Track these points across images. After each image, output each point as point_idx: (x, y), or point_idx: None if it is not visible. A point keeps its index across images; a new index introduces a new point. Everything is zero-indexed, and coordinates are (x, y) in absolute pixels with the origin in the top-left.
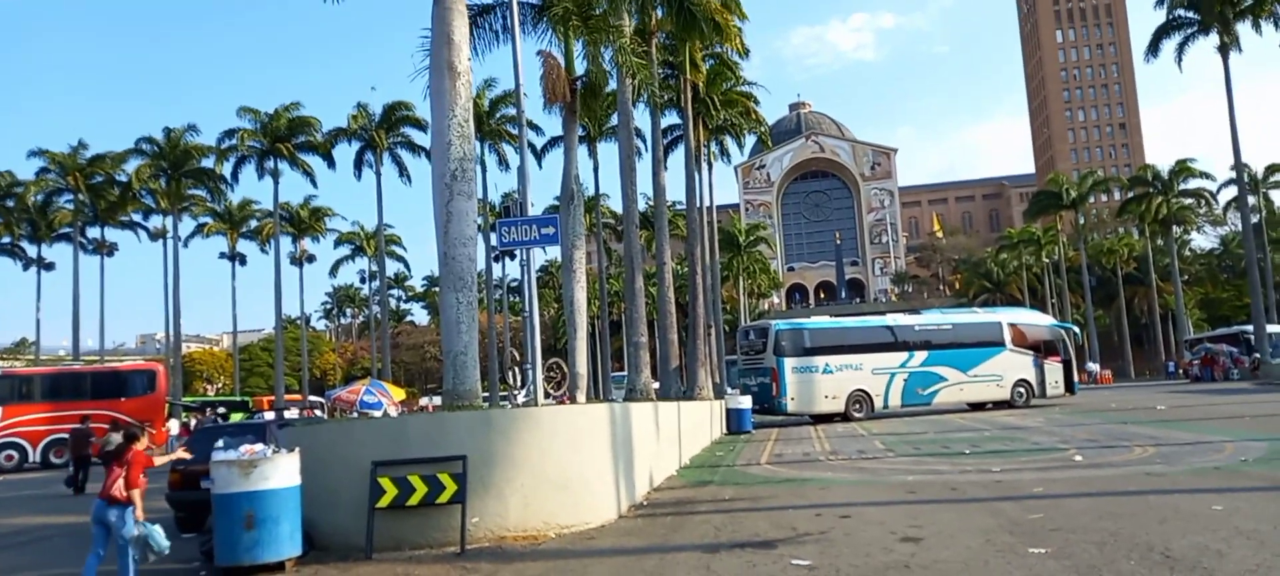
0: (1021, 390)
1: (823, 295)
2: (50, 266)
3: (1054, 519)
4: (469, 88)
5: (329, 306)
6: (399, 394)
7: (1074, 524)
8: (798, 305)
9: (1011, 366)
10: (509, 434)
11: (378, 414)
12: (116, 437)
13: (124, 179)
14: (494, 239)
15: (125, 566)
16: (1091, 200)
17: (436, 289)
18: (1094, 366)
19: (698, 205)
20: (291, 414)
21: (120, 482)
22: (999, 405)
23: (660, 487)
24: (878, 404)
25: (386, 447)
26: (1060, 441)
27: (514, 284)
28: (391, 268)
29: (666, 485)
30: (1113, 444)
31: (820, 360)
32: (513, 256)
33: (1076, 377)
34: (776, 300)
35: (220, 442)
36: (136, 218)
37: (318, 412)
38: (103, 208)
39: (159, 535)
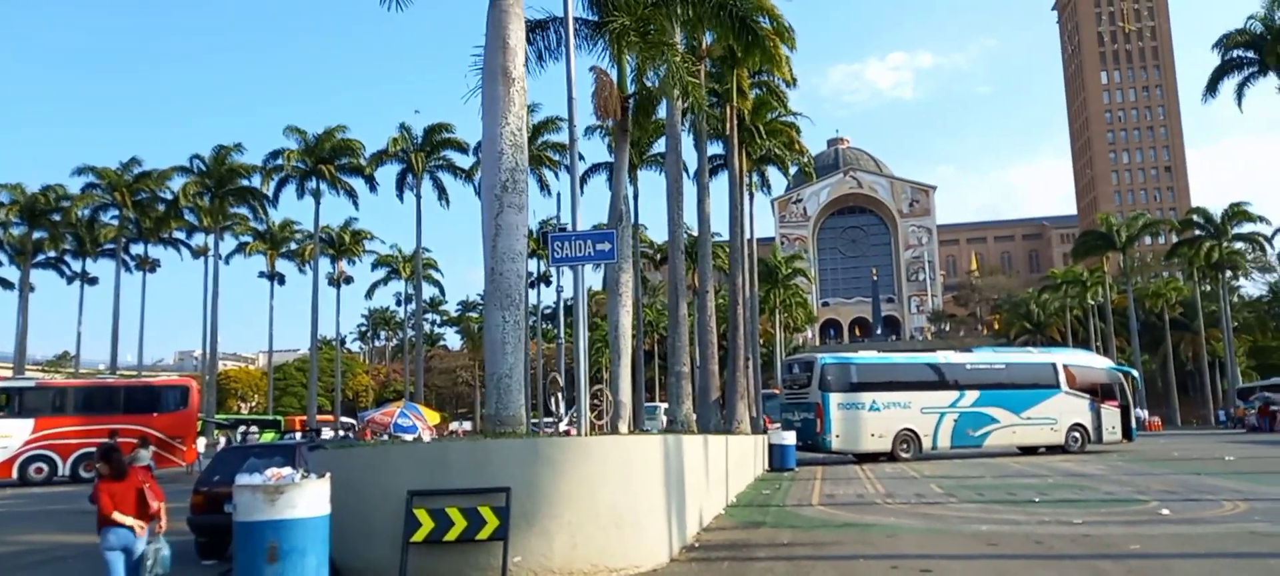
0: (1077, 435)
1: (858, 332)
2: (93, 281)
3: None
4: (523, 95)
5: (364, 328)
6: (433, 417)
7: None
8: (832, 340)
9: (1067, 409)
10: (557, 464)
11: (412, 437)
12: (144, 454)
13: (169, 196)
14: (536, 262)
15: None
16: (1138, 243)
17: (471, 314)
18: (1141, 413)
19: (741, 234)
20: (326, 433)
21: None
22: (1052, 450)
23: (710, 528)
24: (926, 444)
25: (425, 476)
26: (1135, 492)
27: (547, 310)
28: (427, 292)
29: (716, 525)
30: (1196, 497)
31: (867, 397)
32: (547, 282)
33: (1134, 424)
34: (811, 335)
35: (246, 464)
36: (179, 235)
37: (348, 433)
38: (147, 224)
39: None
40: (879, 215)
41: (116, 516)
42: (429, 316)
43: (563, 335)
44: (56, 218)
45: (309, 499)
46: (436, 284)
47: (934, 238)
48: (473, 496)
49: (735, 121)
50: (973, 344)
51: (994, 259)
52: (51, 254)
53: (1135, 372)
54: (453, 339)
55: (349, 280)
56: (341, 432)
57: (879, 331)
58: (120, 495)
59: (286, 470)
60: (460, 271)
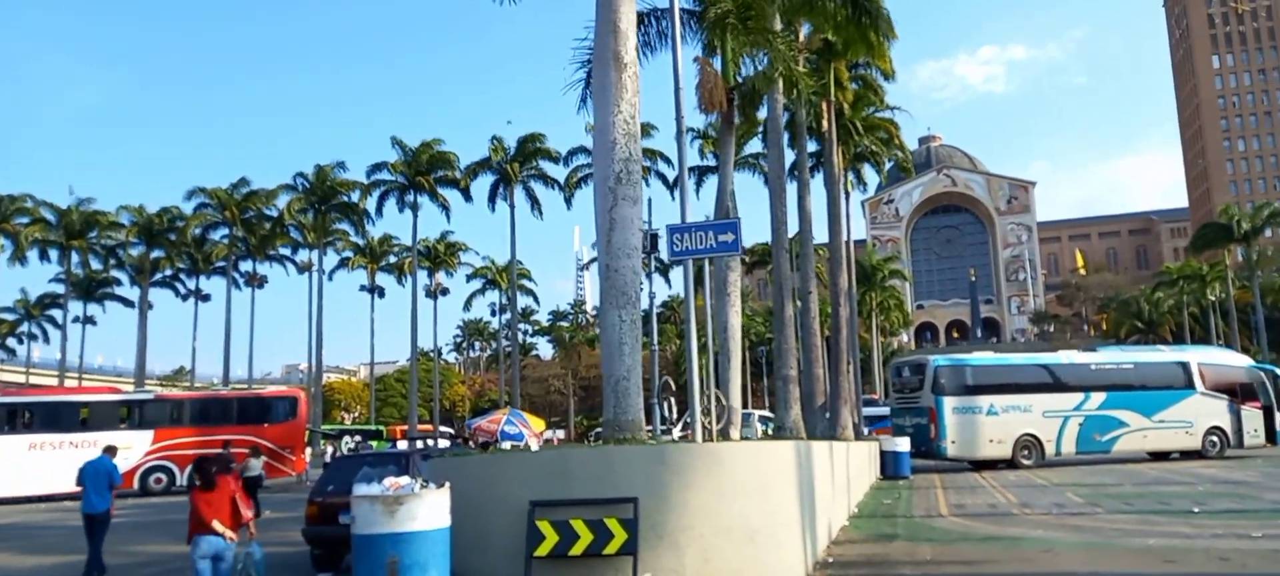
0: (1214, 438)
1: (956, 334)
2: (206, 298)
3: None
4: (636, 81)
5: (459, 339)
6: (538, 424)
7: None
8: (928, 344)
9: (1203, 411)
10: (685, 473)
11: (520, 445)
12: (256, 464)
13: (274, 214)
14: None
15: None
16: (1262, 235)
17: (562, 324)
18: None
19: (841, 234)
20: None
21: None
22: (1186, 455)
23: (838, 541)
24: (1049, 450)
25: (545, 485)
26: None
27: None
28: (521, 301)
29: (844, 538)
30: None
31: (984, 400)
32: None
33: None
34: (906, 339)
35: (360, 473)
36: (284, 252)
37: (456, 441)
38: (254, 242)
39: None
40: (975, 214)
41: (215, 525)
42: (522, 326)
43: (656, 341)
44: (172, 237)
45: (429, 510)
46: (530, 293)
47: (1034, 235)
48: (598, 507)
49: (833, 117)
50: (1078, 345)
51: (1099, 256)
52: (167, 272)
53: (1278, 371)
54: (544, 348)
55: (445, 292)
56: (449, 441)
57: (979, 334)
58: (216, 504)
59: (404, 480)
60: (550, 281)
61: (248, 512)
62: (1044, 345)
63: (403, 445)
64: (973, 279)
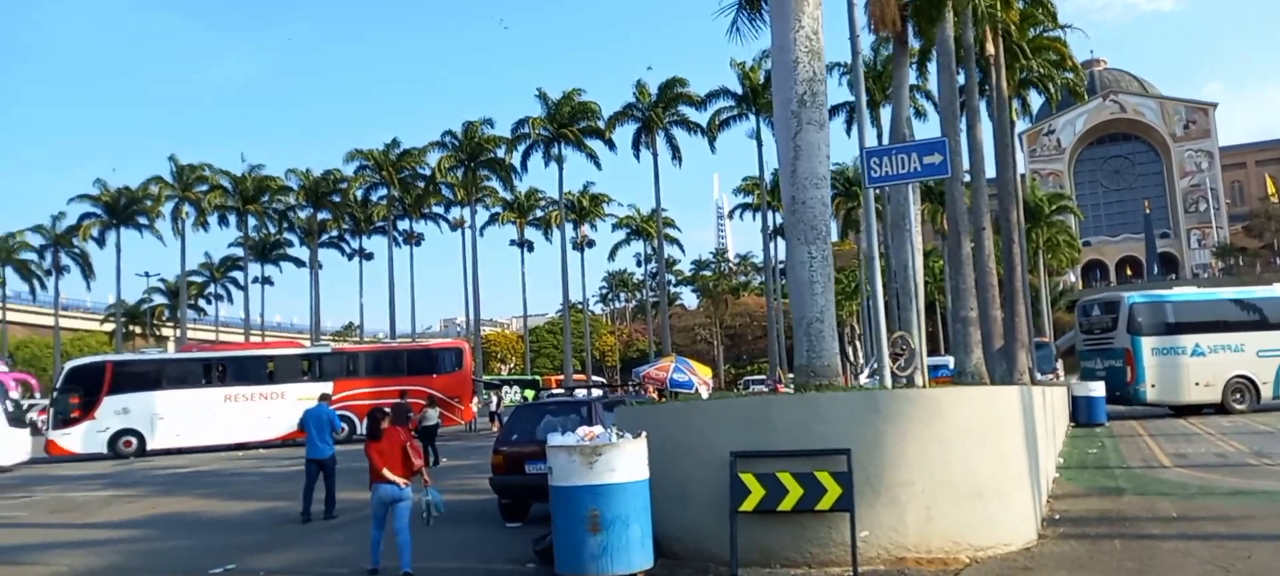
0: None
1: (1129, 271)
2: (369, 256)
3: None
4: None
5: (604, 291)
6: (706, 371)
7: None
8: (1097, 283)
9: None
10: (900, 423)
11: (691, 393)
12: (433, 414)
13: (427, 172)
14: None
15: (406, 542)
16: None
17: (705, 272)
18: None
19: (1012, 165)
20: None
21: (416, 458)
22: None
23: (1057, 495)
24: (1265, 393)
25: (744, 435)
26: None
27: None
28: (665, 250)
29: (1061, 492)
30: None
31: (1188, 340)
32: (783, 235)
33: None
34: (1073, 278)
35: (543, 422)
36: (437, 210)
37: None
38: (411, 200)
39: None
40: (1147, 141)
41: (385, 473)
42: (665, 276)
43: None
44: (336, 199)
45: (628, 461)
46: (675, 242)
47: (1216, 162)
48: (806, 459)
49: (1000, 38)
50: (1273, 279)
51: None
52: (333, 233)
53: None
54: (689, 298)
55: (591, 244)
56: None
57: (1156, 270)
58: (387, 454)
59: (598, 429)
60: (692, 231)
61: (418, 460)
62: (1232, 281)
63: (559, 394)
64: (1147, 212)
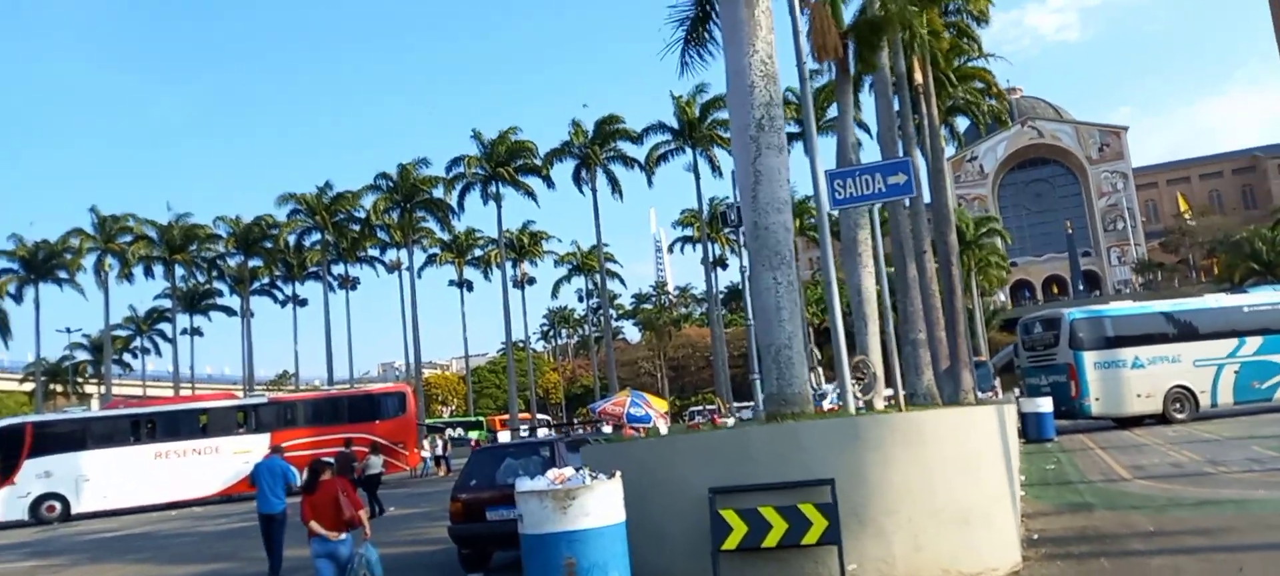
0: None
1: (1055, 289)
2: (303, 302)
3: None
4: (770, 17)
5: (546, 327)
6: (661, 404)
7: None
8: (1027, 302)
9: None
10: (885, 449)
11: (648, 427)
12: (376, 461)
13: (362, 215)
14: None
15: None
16: None
17: (645, 305)
18: None
19: (944, 190)
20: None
21: (348, 509)
22: None
23: (1029, 515)
24: (1203, 402)
25: (722, 470)
26: None
27: (723, 293)
28: (607, 285)
29: (1030, 510)
30: None
31: (1128, 353)
32: (724, 266)
33: None
34: (1003, 298)
35: (506, 467)
36: (374, 253)
37: (541, 431)
38: (346, 244)
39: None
40: (1065, 165)
41: (312, 526)
42: (608, 310)
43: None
44: (267, 245)
45: (603, 503)
46: (616, 276)
47: (1130, 182)
48: (789, 491)
49: (929, 67)
50: (1188, 292)
51: (1201, 199)
52: (265, 280)
53: None
54: (630, 332)
55: (531, 281)
56: (546, 428)
57: (1080, 288)
58: (319, 507)
59: (569, 471)
60: (630, 265)
61: (349, 511)
62: (1153, 294)
63: (504, 436)
64: (1069, 232)
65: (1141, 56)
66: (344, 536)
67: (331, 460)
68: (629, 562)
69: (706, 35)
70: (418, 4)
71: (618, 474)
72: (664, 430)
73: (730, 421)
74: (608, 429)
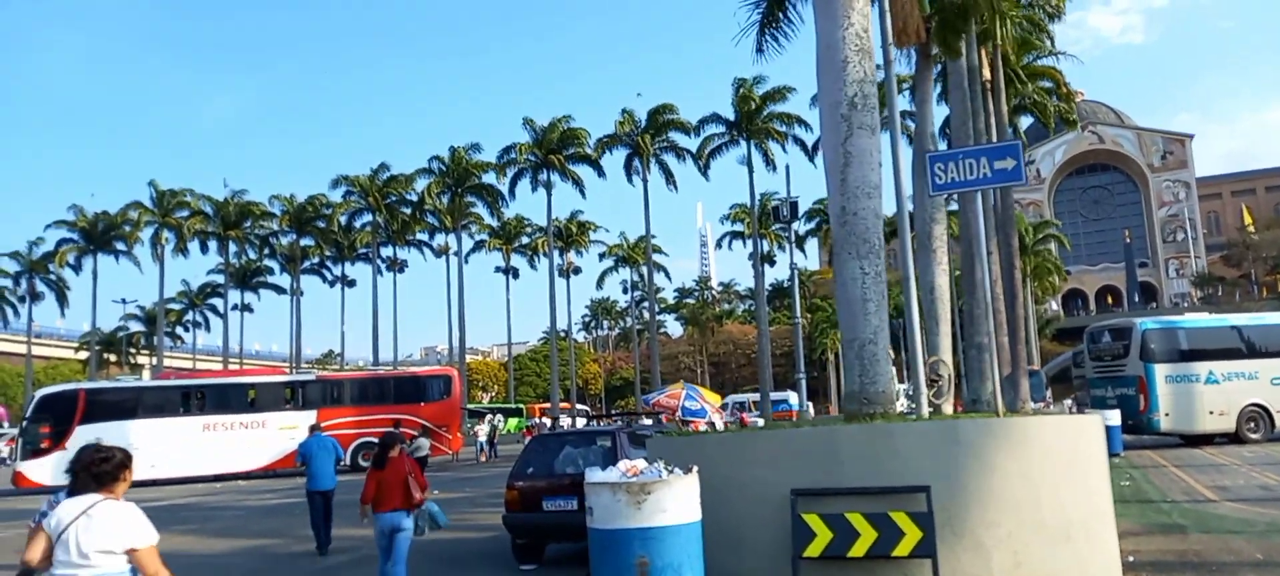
0: None
1: (1110, 300)
2: (352, 283)
3: None
4: None
5: (587, 318)
6: (715, 398)
7: None
8: (1078, 311)
9: None
10: (985, 455)
11: (703, 422)
12: (424, 443)
13: (414, 198)
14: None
15: (402, 573)
16: None
17: (688, 300)
18: None
19: (1010, 192)
20: (566, 421)
21: (417, 491)
22: None
23: (1119, 534)
24: None
25: (806, 471)
26: None
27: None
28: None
29: (1119, 530)
30: None
31: (1202, 367)
32: (772, 262)
33: None
34: (1055, 306)
35: (565, 455)
36: (422, 237)
37: (581, 420)
38: (396, 227)
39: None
40: (1125, 172)
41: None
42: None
43: (800, 314)
44: (320, 225)
45: (680, 500)
46: (662, 269)
47: (1193, 192)
48: (879, 498)
49: (999, 62)
50: (1249, 308)
51: (1266, 211)
52: (315, 260)
53: None
54: (673, 326)
55: (577, 271)
56: (585, 418)
57: (1136, 299)
58: (388, 484)
59: (641, 463)
60: (674, 260)
61: (419, 494)
62: (1210, 310)
63: (485, 429)
64: (1128, 241)
65: (1208, 61)
66: (409, 514)
67: (397, 435)
68: (703, 565)
69: (782, 16)
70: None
71: (695, 469)
72: (719, 425)
73: (759, 421)
74: (649, 420)
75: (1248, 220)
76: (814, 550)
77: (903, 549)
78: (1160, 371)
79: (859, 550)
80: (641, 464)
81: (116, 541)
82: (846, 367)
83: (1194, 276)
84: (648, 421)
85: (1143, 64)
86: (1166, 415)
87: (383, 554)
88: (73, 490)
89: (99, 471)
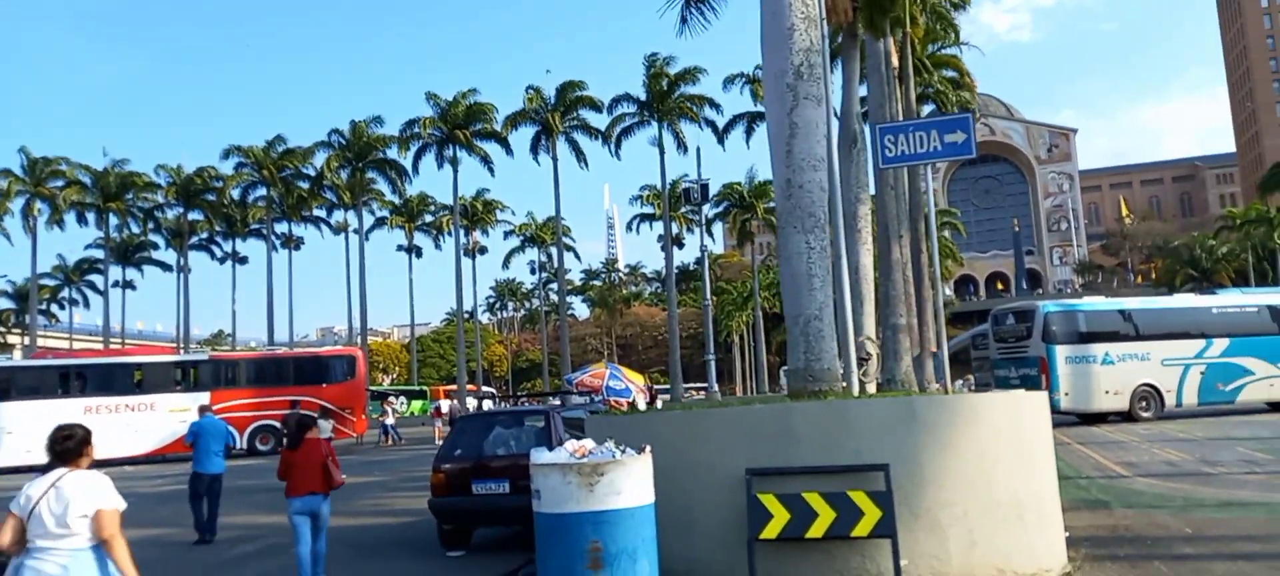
0: None
1: (999, 286)
2: (243, 260)
3: None
4: None
5: (492, 300)
6: (640, 379)
7: None
8: (970, 297)
9: None
10: (941, 433)
11: (627, 401)
12: (326, 426)
13: (312, 173)
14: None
15: (323, 551)
16: None
17: (594, 282)
18: None
19: (920, 176)
20: (471, 403)
21: (338, 474)
22: None
23: None
24: (1169, 401)
25: (761, 450)
26: None
27: (681, 269)
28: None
29: None
30: None
31: (1099, 349)
32: (681, 245)
33: None
34: (948, 292)
35: (495, 437)
36: (320, 213)
37: (487, 403)
38: (292, 202)
39: None
40: (1014, 163)
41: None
42: (553, 285)
43: (711, 298)
44: (209, 199)
45: (633, 482)
46: (571, 250)
47: (1077, 184)
48: (837, 476)
49: (905, 51)
50: (1124, 294)
51: (1142, 204)
52: (204, 236)
53: None
54: (579, 308)
55: (483, 250)
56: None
57: (1023, 286)
58: (304, 466)
59: (589, 443)
60: (582, 242)
61: (339, 477)
62: (1091, 296)
63: (446, 406)
64: (1016, 230)
65: (1090, 59)
66: (326, 498)
67: (313, 416)
68: (657, 549)
69: None
70: None
71: (648, 448)
72: (642, 405)
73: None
74: (615, 403)
75: (1125, 212)
76: (771, 532)
77: (862, 529)
78: (1061, 352)
79: (817, 531)
80: (590, 444)
81: (87, 504)
82: (791, 344)
83: (1076, 264)
84: (578, 400)
85: (1030, 60)
86: (1066, 394)
87: (301, 537)
88: (44, 472)
89: (62, 449)
